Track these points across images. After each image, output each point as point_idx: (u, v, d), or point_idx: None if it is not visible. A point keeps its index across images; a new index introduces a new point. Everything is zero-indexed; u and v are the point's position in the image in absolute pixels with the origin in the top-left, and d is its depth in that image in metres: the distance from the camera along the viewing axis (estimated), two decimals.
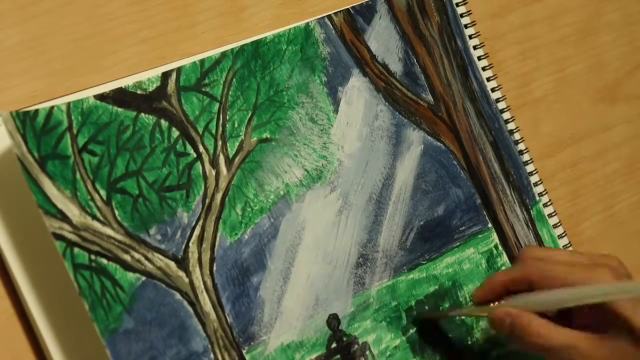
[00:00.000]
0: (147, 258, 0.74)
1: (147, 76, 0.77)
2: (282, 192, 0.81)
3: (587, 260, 0.79)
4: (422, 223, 0.87)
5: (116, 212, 0.74)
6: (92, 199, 0.73)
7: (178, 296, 0.75)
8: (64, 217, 0.71)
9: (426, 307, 0.85)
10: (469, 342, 0.86)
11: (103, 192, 0.73)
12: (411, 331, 0.84)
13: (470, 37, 0.93)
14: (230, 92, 0.80)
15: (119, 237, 0.73)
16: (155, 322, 0.73)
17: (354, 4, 0.87)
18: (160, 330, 0.73)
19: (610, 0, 1.04)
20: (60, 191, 0.71)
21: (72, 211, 0.72)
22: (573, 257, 0.80)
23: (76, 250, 0.71)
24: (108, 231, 0.73)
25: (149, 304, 0.73)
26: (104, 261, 0.72)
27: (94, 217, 0.73)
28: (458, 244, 0.88)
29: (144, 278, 0.74)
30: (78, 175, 0.72)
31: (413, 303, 0.84)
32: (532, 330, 0.77)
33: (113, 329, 0.71)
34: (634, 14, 1.06)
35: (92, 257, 0.72)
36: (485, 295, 0.82)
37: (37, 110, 0.72)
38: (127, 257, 0.73)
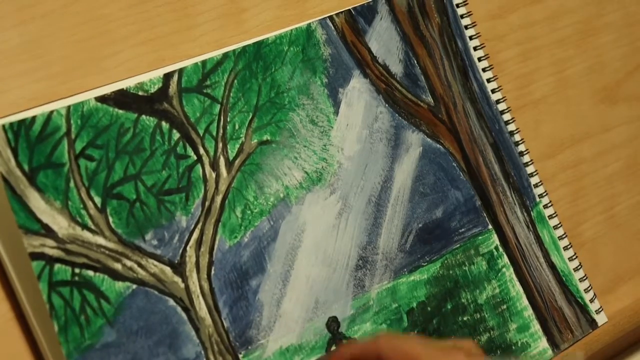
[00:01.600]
0: (140, 265, 0.73)
1: (149, 77, 0.77)
2: (281, 195, 0.80)
3: (442, 344, 0.79)
4: (420, 225, 0.86)
5: (110, 219, 0.73)
6: (85, 207, 0.72)
7: (171, 302, 0.74)
8: (48, 232, 0.70)
9: (428, 309, 0.85)
10: None
11: (98, 199, 0.73)
12: (412, 333, 0.83)
13: (471, 38, 0.93)
14: (231, 94, 0.80)
15: (111, 245, 0.73)
16: (142, 332, 0.72)
17: (354, 5, 0.87)
18: (146, 340, 0.72)
19: (610, 0, 1.04)
20: (48, 204, 0.71)
21: (60, 223, 0.71)
22: (428, 339, 0.80)
23: (57, 266, 0.70)
24: (99, 240, 0.72)
25: (137, 313, 0.72)
26: (90, 273, 0.71)
27: (85, 227, 0.72)
28: (458, 245, 0.88)
29: (134, 286, 0.73)
30: (72, 184, 0.72)
31: (414, 305, 0.84)
32: None
33: (87, 346, 0.70)
34: (634, 14, 1.06)
35: (77, 270, 0.71)
36: None
37: (34, 118, 0.71)
38: (117, 266, 0.72)
